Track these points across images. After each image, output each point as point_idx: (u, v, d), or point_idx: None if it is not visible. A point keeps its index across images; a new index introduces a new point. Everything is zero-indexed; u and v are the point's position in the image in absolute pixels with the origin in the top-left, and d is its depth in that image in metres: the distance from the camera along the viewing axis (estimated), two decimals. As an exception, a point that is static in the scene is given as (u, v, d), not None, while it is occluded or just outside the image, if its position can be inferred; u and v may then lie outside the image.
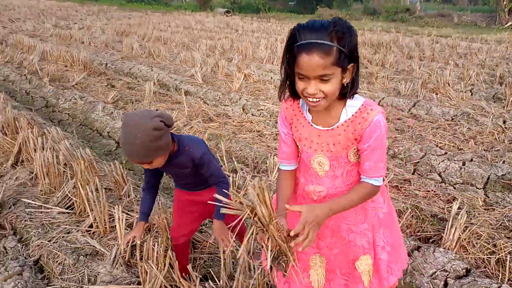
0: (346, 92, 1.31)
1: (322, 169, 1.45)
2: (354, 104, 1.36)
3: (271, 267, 1.30)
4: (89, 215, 2.74)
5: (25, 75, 7.06)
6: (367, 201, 1.46)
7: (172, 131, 1.83)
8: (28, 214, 2.87)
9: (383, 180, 1.44)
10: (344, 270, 1.53)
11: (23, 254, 2.50)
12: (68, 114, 5.55)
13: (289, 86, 1.36)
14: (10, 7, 21.31)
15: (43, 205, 2.97)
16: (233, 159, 3.84)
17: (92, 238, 2.60)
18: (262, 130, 4.83)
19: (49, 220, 2.80)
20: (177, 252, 2.19)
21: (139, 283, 2.15)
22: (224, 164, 3.74)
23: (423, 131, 4.67)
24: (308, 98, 1.28)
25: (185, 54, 8.71)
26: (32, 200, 3.01)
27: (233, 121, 5.08)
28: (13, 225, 2.81)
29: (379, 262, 1.51)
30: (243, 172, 3.56)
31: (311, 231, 1.27)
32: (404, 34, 13.99)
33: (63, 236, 2.62)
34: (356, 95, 1.36)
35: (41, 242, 2.55)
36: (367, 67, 7.70)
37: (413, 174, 3.76)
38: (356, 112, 1.35)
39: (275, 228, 1.21)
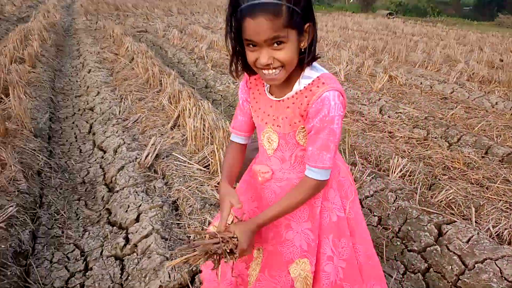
0: (304, 58, 1.12)
1: (271, 147, 1.28)
2: (311, 75, 1.16)
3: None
4: (219, 175, 3.23)
5: (194, 59, 8.29)
6: (316, 196, 1.24)
7: None
8: (175, 166, 3.53)
9: (339, 175, 1.28)
10: (275, 272, 1.28)
11: (166, 194, 3.13)
12: (221, 95, 6.35)
13: (241, 59, 1.18)
14: (193, 2, 24.74)
15: (187, 161, 3.60)
16: (356, 153, 3.92)
17: (218, 193, 3.08)
18: (394, 132, 4.73)
19: (189, 173, 3.40)
20: None
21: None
22: (346, 157, 3.85)
23: None
24: (263, 71, 1.10)
25: (333, 52, 8.90)
26: (180, 156, 3.67)
27: (365, 119, 5.09)
28: (163, 172, 3.50)
29: (322, 274, 1.25)
30: (362, 167, 3.62)
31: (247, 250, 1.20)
32: None
33: (197, 187, 3.17)
34: (317, 66, 1.19)
35: (180, 188, 3.14)
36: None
37: None
38: (309, 84, 1.16)
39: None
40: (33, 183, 3.22)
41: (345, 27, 15.66)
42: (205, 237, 1.19)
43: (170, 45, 9.79)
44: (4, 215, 2.53)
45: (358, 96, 6.04)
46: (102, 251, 2.59)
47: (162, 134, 4.24)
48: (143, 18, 14.55)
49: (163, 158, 3.68)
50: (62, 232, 2.81)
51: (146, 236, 2.58)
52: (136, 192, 3.08)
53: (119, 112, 4.83)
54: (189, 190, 3.12)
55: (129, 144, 3.94)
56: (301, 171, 1.25)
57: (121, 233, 2.73)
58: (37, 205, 3.00)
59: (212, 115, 4.15)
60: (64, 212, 3.04)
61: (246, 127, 1.39)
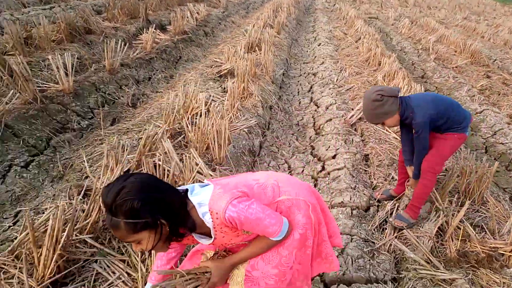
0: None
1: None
2: (201, 212, 1.32)
3: None
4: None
5: (417, 49, 8.30)
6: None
7: None
8: (374, 129, 3.99)
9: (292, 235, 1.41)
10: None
11: (360, 147, 3.66)
12: (436, 87, 6.33)
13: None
14: (434, -3, 23.41)
15: (386, 128, 4.01)
16: None
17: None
18: None
19: (385, 138, 3.81)
20: None
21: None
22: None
23: None
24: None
25: None
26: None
27: None
28: (362, 131, 4.02)
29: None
30: None
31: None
32: None
33: (389, 149, 3.58)
34: (199, 204, 1.32)
35: (374, 146, 3.61)
36: None
37: None
38: (212, 220, 1.32)
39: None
40: (266, 112, 4.26)
41: None
42: (175, 276, 1.43)
43: (397, 34, 9.96)
44: (248, 124, 3.57)
45: None
46: (303, 170, 3.36)
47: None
48: (377, 6, 14.93)
49: (364, 122, 4.20)
50: (278, 150, 3.71)
51: (338, 169, 3.20)
52: (337, 139, 3.72)
53: (337, 80, 5.54)
54: (381, 149, 3.56)
55: (339, 105, 4.60)
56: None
57: (319, 163, 3.44)
58: (266, 127, 4.01)
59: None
60: (281, 139, 3.95)
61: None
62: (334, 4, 13.64)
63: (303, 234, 1.43)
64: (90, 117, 3.75)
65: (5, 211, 2.46)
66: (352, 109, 4.41)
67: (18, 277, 1.73)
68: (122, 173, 2.28)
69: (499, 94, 6.03)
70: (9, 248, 1.85)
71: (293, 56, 7.31)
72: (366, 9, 13.40)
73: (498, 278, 2.24)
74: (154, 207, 1.17)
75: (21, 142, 2.99)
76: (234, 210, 1.26)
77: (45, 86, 3.68)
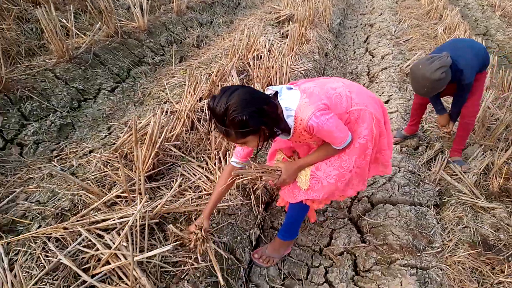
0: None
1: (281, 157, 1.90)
2: (290, 115, 1.56)
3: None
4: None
5: (482, 6, 7.88)
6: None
7: None
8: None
9: (351, 144, 1.67)
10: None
11: (414, 95, 3.78)
12: (498, 44, 6.10)
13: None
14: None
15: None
16: None
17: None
18: None
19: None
20: None
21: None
22: None
23: None
24: None
25: None
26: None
27: None
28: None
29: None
30: None
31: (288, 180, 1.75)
32: None
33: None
34: (289, 108, 1.56)
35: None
36: None
37: None
38: (295, 122, 1.58)
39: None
40: (322, 58, 4.42)
41: None
42: (251, 167, 1.75)
43: (462, -12, 9.42)
44: (306, 67, 3.78)
45: None
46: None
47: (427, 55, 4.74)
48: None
49: (420, 72, 4.26)
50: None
51: (391, 113, 3.38)
52: (391, 86, 3.85)
53: (395, 31, 5.51)
54: (435, 98, 3.66)
55: (395, 55, 4.65)
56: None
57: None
58: (321, 72, 4.20)
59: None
60: (336, 84, 4.13)
61: (246, 155, 1.85)
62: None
63: (363, 144, 1.70)
64: (161, 53, 4.11)
65: (99, 125, 2.91)
66: (409, 60, 4.46)
67: (122, 170, 2.14)
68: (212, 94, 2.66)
69: None
70: (114, 147, 2.28)
71: (351, 7, 7.24)
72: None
73: (536, 214, 2.41)
74: (257, 118, 1.42)
75: (107, 70, 3.41)
76: (316, 121, 1.51)
77: (123, 23, 4.05)
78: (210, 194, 2.15)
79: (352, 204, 2.48)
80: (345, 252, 2.10)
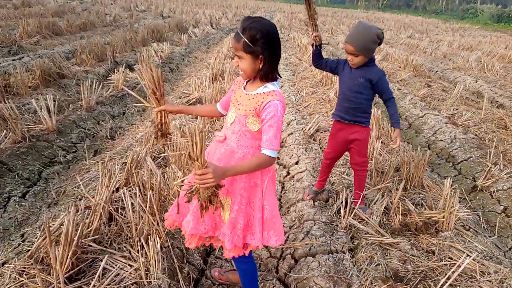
0: (264, 74, 1.71)
1: (229, 121, 1.82)
2: (269, 88, 1.72)
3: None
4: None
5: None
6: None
7: None
8: (330, 138, 4.54)
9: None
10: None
11: (319, 153, 4.18)
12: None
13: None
14: (381, 20, 25.27)
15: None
16: (501, 155, 4.18)
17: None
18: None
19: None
20: None
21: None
22: (490, 157, 4.17)
23: None
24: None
25: (521, 72, 8.41)
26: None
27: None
28: (320, 140, 4.57)
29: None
30: (504, 167, 3.92)
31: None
32: None
33: (343, 152, 4.12)
34: (276, 85, 1.74)
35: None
36: None
37: None
38: (265, 92, 1.72)
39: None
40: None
41: None
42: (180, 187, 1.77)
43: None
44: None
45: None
46: (270, 177, 3.83)
47: (324, 117, 5.33)
48: (328, 33, 16.10)
49: (321, 132, 4.76)
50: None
51: (301, 172, 3.70)
52: (299, 148, 4.24)
53: (295, 100, 6.15)
54: (337, 153, 4.09)
55: (298, 120, 5.16)
56: (239, 146, 1.78)
57: (284, 170, 3.93)
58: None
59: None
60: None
61: (226, 104, 2.01)
62: (288, 34, 14.64)
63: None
64: (74, 151, 4.10)
65: (11, 234, 2.77)
66: (309, 123, 4.98)
67: (38, 276, 2.07)
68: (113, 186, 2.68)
69: (439, 100, 6.82)
70: (29, 253, 2.19)
71: (255, 83, 7.93)
72: (318, 36, 14.42)
73: (435, 240, 2.75)
74: (265, 47, 1.64)
75: (16, 176, 3.32)
76: (277, 107, 1.65)
77: (30, 127, 4.02)
78: (135, 283, 2.15)
79: (278, 264, 2.61)
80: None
